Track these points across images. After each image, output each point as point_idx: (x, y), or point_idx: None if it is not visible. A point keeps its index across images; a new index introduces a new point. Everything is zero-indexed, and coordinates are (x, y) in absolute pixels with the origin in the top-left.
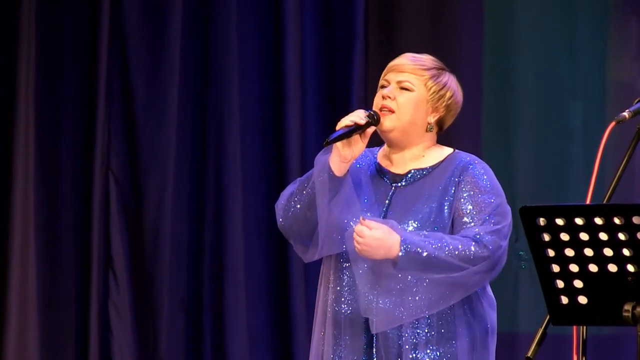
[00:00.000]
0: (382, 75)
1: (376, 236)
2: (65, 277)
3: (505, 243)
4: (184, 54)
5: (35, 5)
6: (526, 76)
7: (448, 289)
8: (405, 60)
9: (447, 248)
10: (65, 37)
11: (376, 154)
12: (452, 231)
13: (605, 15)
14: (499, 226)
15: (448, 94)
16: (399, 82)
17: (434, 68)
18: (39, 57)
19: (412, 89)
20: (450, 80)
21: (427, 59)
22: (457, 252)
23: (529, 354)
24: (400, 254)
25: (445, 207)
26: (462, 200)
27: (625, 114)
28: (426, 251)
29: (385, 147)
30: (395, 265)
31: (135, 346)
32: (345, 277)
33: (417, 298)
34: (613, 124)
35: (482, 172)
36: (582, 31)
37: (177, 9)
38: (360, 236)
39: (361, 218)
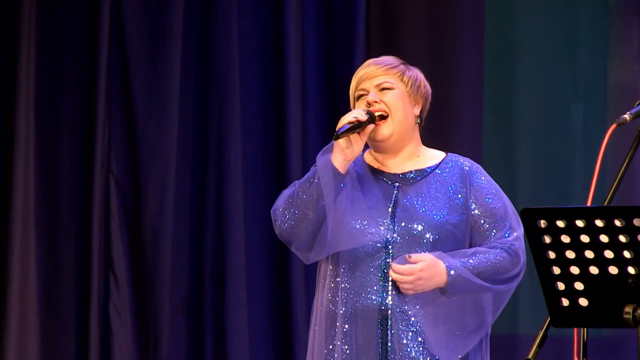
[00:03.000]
0: (355, 87)
1: (426, 267)
2: (65, 279)
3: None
4: (185, 55)
5: (35, 6)
6: (527, 77)
7: (493, 303)
8: (372, 66)
9: (487, 266)
10: (65, 37)
11: (362, 157)
12: (472, 239)
13: (607, 16)
14: (520, 230)
15: (422, 84)
16: (377, 86)
17: (401, 64)
18: (39, 58)
19: (392, 87)
20: (417, 72)
21: (390, 59)
22: (496, 268)
23: (530, 355)
24: (448, 279)
25: (457, 212)
26: (477, 211)
27: (627, 116)
28: (470, 273)
29: (372, 151)
30: (444, 291)
31: (136, 347)
32: (357, 274)
33: (468, 320)
34: (614, 126)
35: (483, 177)
36: (583, 32)
37: (177, 9)
38: (411, 274)
39: (407, 256)
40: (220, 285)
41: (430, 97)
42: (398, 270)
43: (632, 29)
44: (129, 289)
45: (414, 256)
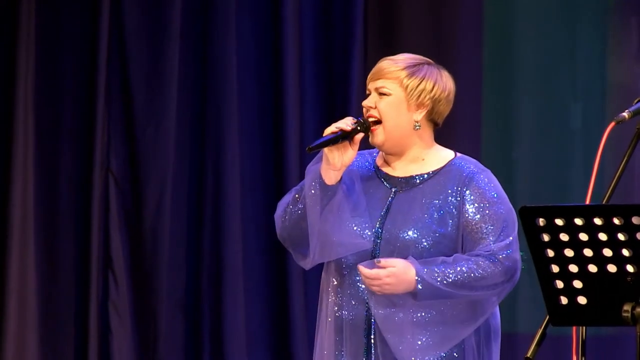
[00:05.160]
0: (366, 86)
1: (395, 273)
2: (64, 278)
3: (518, 254)
4: (183, 56)
5: (35, 6)
6: (526, 77)
7: (470, 313)
8: (380, 66)
9: (464, 274)
10: (64, 37)
11: (375, 157)
12: (463, 243)
13: (606, 16)
14: (511, 238)
15: (428, 87)
16: (376, 89)
17: (409, 66)
18: (38, 58)
19: (388, 93)
20: (429, 72)
21: (401, 59)
22: (474, 277)
23: (529, 354)
24: (418, 287)
25: (450, 219)
26: (472, 214)
27: (625, 114)
28: (443, 282)
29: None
30: (415, 296)
31: (135, 346)
32: (347, 283)
33: (439, 329)
34: (612, 124)
35: (486, 181)
36: (582, 32)
37: (176, 10)
38: (377, 279)
39: (375, 261)
40: (218, 285)
41: (445, 97)
42: (365, 274)
43: (631, 29)
44: (128, 288)
45: (383, 261)
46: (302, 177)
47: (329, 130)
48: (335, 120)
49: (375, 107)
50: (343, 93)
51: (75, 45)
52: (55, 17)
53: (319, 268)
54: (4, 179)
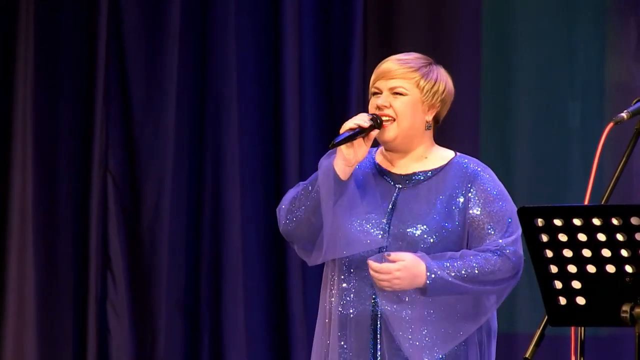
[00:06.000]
0: (372, 82)
1: (405, 266)
2: (63, 278)
3: (522, 251)
4: (182, 56)
5: (33, 6)
6: (525, 76)
7: (475, 311)
8: (393, 64)
9: (474, 269)
10: (63, 38)
11: (374, 155)
12: (469, 240)
13: (604, 15)
14: (516, 235)
15: (441, 88)
16: (391, 89)
17: (422, 66)
18: (37, 59)
19: (405, 93)
20: (439, 73)
21: (413, 59)
22: (483, 271)
23: (527, 354)
24: (427, 282)
25: (456, 216)
26: (477, 210)
27: (624, 114)
28: (453, 276)
29: (383, 149)
30: (425, 292)
31: (133, 346)
32: (352, 280)
33: (446, 326)
34: (611, 124)
35: (489, 179)
36: (580, 31)
37: (175, 9)
38: (387, 273)
39: (385, 254)
40: (217, 284)
41: (450, 99)
42: (375, 268)
43: (630, 28)
44: (126, 287)
45: (393, 255)
46: (301, 177)
47: (347, 126)
48: (336, 119)
49: (390, 107)
50: (343, 93)
51: (74, 45)
52: (54, 16)
53: (319, 267)
54: (3, 179)
